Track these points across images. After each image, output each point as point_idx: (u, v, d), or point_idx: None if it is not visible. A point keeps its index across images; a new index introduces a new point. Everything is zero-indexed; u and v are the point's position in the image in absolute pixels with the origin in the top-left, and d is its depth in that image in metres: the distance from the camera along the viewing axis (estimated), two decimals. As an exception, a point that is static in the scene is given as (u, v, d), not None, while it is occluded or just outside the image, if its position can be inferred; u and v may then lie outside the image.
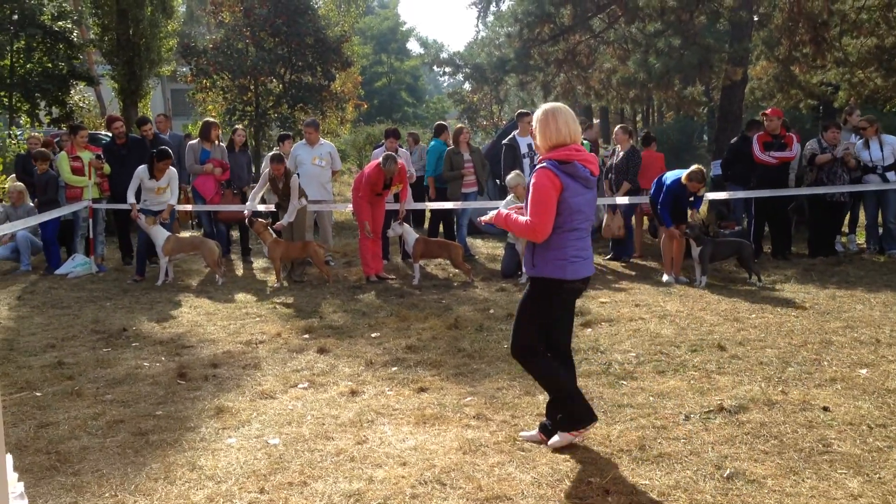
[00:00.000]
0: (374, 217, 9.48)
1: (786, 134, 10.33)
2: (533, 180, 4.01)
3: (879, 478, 3.80)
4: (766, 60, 16.73)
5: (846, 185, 10.21)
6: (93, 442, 4.49)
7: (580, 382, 5.31)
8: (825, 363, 5.67)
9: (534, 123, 4.19)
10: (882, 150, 10.31)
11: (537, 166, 4.06)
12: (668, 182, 9.10)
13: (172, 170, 9.71)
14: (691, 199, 9.21)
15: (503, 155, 10.73)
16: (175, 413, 4.96)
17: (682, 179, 8.96)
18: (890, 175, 10.24)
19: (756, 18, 15.72)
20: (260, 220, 9.37)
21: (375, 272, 9.50)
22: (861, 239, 11.21)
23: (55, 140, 12.82)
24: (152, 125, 11.39)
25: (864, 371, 5.45)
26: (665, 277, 9.15)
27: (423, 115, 54.17)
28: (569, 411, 4.23)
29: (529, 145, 10.65)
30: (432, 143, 11.81)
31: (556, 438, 4.28)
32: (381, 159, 9.23)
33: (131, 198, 9.61)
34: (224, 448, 4.37)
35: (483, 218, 4.50)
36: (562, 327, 4.35)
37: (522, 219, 4.08)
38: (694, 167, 9.05)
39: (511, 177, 9.57)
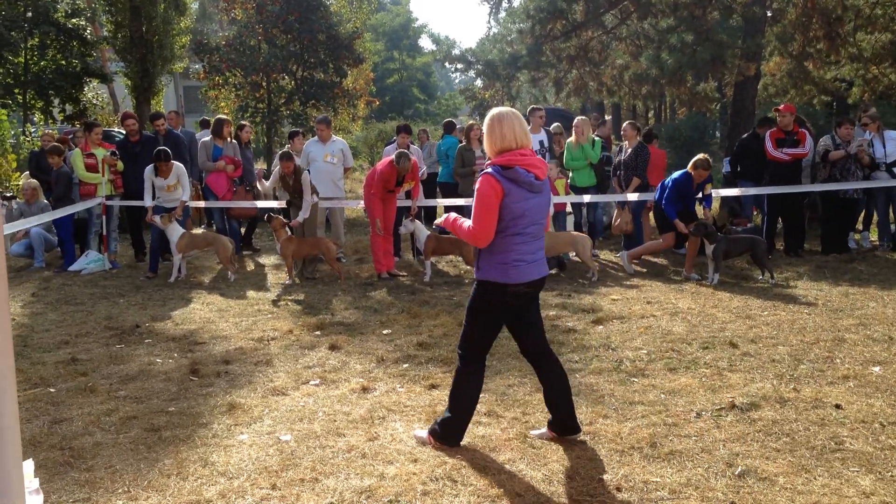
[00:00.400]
0: (385, 214, 9.48)
1: (798, 130, 10.27)
2: (476, 186, 4.05)
3: (892, 476, 3.79)
4: (779, 56, 16.66)
5: (859, 182, 10.14)
6: (106, 438, 4.53)
7: (590, 380, 5.33)
8: (838, 361, 5.65)
9: (483, 129, 4.23)
10: (885, 147, 10.26)
11: (481, 172, 4.10)
12: (673, 176, 9.18)
13: (179, 166, 9.74)
14: (699, 196, 9.23)
15: None
16: (187, 409, 4.99)
17: (688, 168, 9.04)
18: None
19: (769, 14, 15.66)
20: (279, 217, 9.40)
21: (387, 269, 9.51)
22: (874, 236, 11.14)
23: (69, 137, 12.89)
24: (165, 120, 11.43)
25: (876, 369, 5.42)
26: (623, 257, 9.70)
27: (435, 111, 54.20)
28: (448, 423, 4.27)
29: (541, 142, 10.65)
30: (444, 139, 11.80)
31: (419, 432, 4.43)
32: (394, 156, 9.23)
33: (148, 200, 9.66)
34: (236, 444, 4.39)
35: (437, 221, 4.52)
36: (526, 331, 4.33)
37: (467, 224, 4.11)
38: (699, 155, 9.13)
39: None
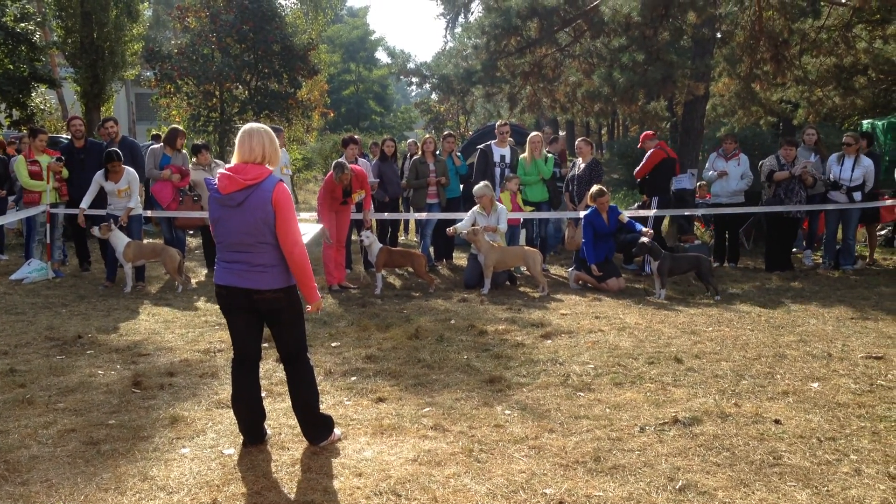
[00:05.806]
0: (338, 226, 9.43)
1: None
2: None
3: (828, 490, 3.87)
4: (727, 77, 16.98)
5: (805, 203, 10.35)
6: (43, 451, 4.42)
7: (537, 394, 5.36)
8: (778, 377, 5.76)
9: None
10: (853, 170, 10.37)
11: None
12: (585, 214, 9.46)
13: (131, 171, 9.55)
14: (623, 225, 9.43)
15: (476, 160, 10.83)
16: (128, 422, 4.89)
17: (588, 202, 9.30)
18: (856, 195, 10.36)
19: (719, 36, 15.99)
20: None
21: (338, 281, 9.47)
22: (817, 254, 11.40)
23: (8, 143, 12.62)
24: (116, 124, 11.04)
25: (815, 385, 5.54)
26: (571, 274, 9.75)
27: (391, 124, 54.33)
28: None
29: (503, 156, 10.75)
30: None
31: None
32: (332, 168, 9.20)
33: (85, 203, 9.48)
34: (177, 458, 4.32)
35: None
36: (235, 335, 4.49)
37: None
38: (593, 188, 9.44)
39: (478, 187, 9.63)
